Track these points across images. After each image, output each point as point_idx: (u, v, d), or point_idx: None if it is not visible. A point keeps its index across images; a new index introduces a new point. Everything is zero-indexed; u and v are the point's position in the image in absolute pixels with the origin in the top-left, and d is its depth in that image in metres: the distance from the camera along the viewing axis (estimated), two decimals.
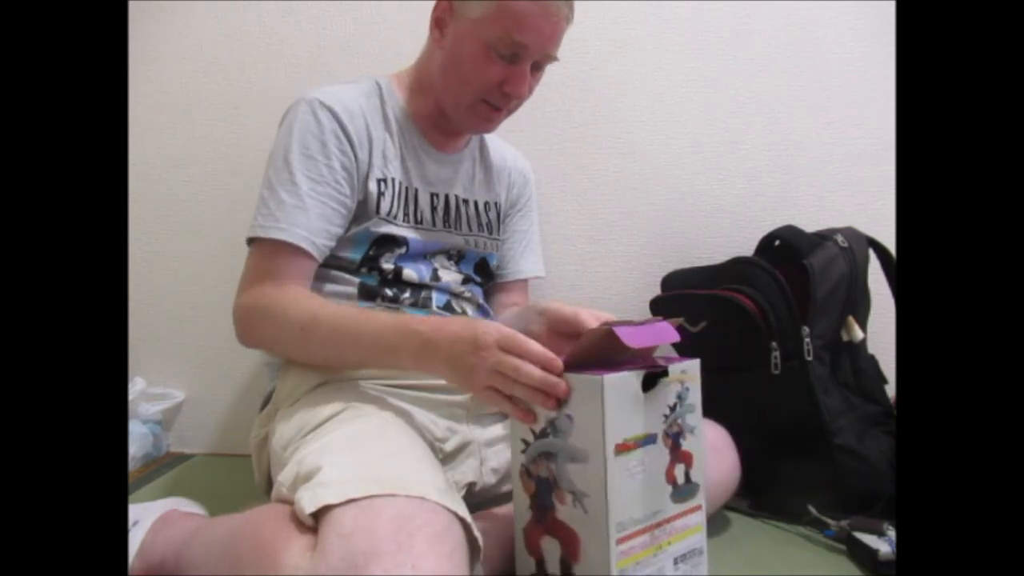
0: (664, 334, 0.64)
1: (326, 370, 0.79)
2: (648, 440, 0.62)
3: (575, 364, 0.61)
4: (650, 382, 0.62)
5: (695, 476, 0.67)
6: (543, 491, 0.63)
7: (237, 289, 0.81)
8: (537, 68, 0.85)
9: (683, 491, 0.65)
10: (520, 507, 0.65)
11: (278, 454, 0.72)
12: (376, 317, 0.74)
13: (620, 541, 0.58)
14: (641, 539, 0.60)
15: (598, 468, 0.58)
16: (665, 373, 0.63)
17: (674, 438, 0.65)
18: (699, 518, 0.68)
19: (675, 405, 0.65)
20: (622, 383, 0.59)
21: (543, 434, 0.62)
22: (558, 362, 0.60)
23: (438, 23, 0.85)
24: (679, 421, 0.65)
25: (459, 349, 0.64)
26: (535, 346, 0.61)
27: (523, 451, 0.64)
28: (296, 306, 0.75)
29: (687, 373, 0.66)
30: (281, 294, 0.76)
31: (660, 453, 0.63)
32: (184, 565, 0.67)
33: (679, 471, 0.65)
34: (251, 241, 0.81)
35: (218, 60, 1.24)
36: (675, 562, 0.64)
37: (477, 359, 0.62)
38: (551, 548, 0.62)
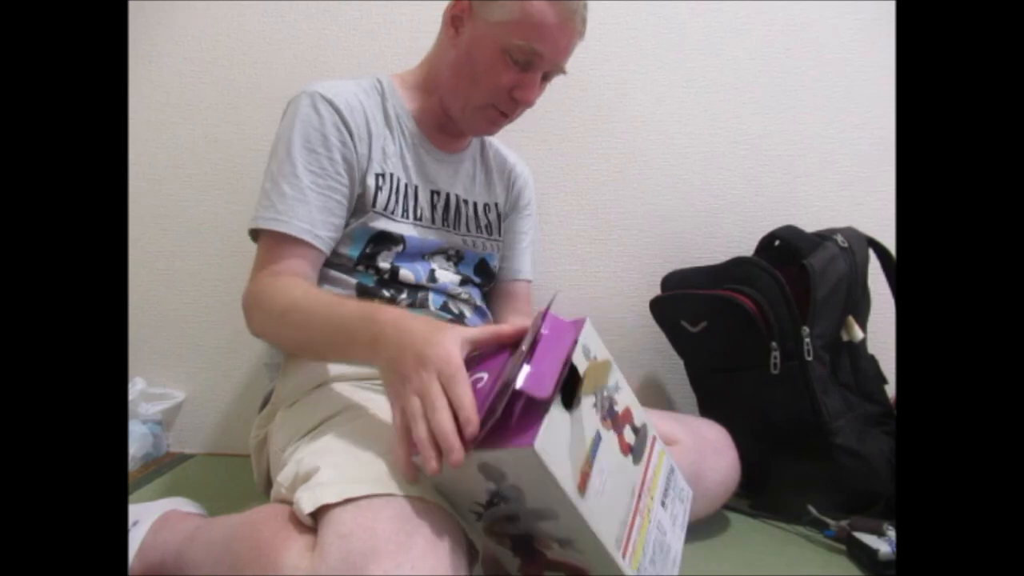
0: (563, 336, 0.55)
1: (326, 371, 0.79)
2: (595, 444, 0.55)
3: (493, 423, 0.50)
4: (568, 394, 0.53)
5: (639, 421, 0.62)
6: (522, 544, 0.57)
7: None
8: (545, 79, 0.86)
9: (638, 447, 0.61)
10: (504, 556, 0.59)
11: (277, 454, 0.73)
12: (347, 305, 0.69)
13: (624, 549, 0.55)
14: (636, 525, 0.58)
15: (572, 517, 0.51)
16: (578, 378, 0.54)
17: (609, 414, 0.58)
18: (659, 447, 0.64)
19: (595, 397, 0.58)
20: (552, 430, 0.49)
21: (491, 504, 0.55)
22: (473, 427, 0.50)
23: (454, 21, 0.85)
24: (604, 395, 0.58)
25: (402, 356, 0.57)
26: (465, 397, 0.51)
27: (477, 519, 0.57)
28: (280, 293, 0.73)
29: (589, 346, 0.57)
30: (272, 282, 0.76)
31: (608, 440, 0.56)
32: (184, 565, 0.67)
33: (627, 433, 0.60)
34: (255, 233, 0.81)
35: (218, 60, 1.24)
36: (662, 505, 0.62)
37: (413, 375, 0.55)
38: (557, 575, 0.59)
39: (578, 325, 0.57)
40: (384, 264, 0.85)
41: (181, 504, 0.82)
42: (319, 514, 0.54)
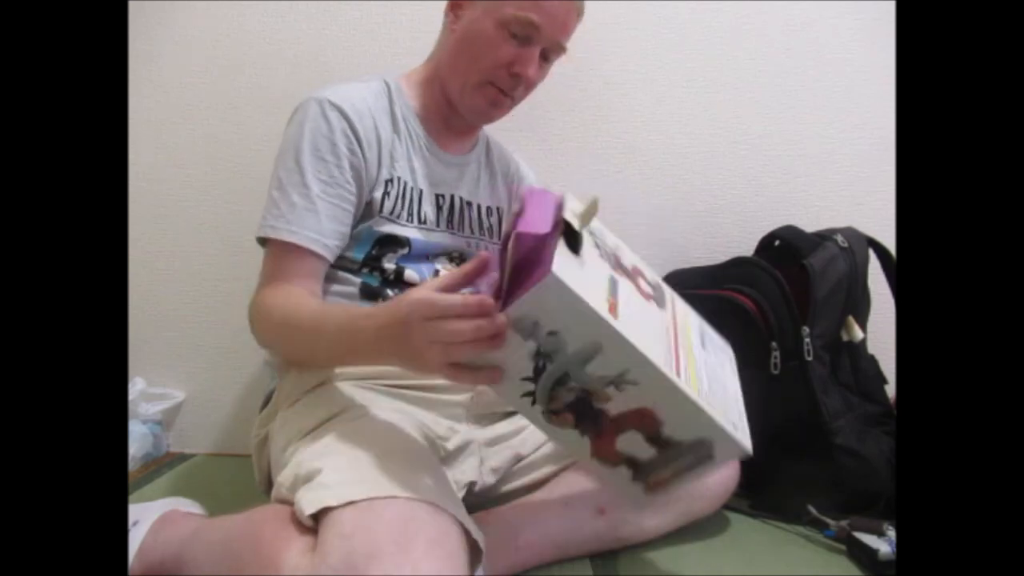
0: (547, 199, 0.58)
1: (327, 371, 0.79)
2: (613, 284, 0.57)
3: (510, 290, 0.54)
4: (572, 245, 0.56)
5: (652, 278, 0.65)
6: (584, 409, 0.57)
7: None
8: (545, 59, 0.87)
9: (658, 296, 0.62)
10: (572, 442, 0.59)
11: (278, 454, 0.73)
12: (334, 318, 0.70)
13: (676, 371, 0.55)
14: (681, 359, 0.57)
15: (614, 340, 0.52)
16: (575, 232, 0.56)
17: (619, 266, 0.61)
18: (681, 305, 0.65)
19: (597, 244, 0.61)
20: (565, 263, 0.52)
21: (539, 372, 0.56)
22: (487, 301, 0.52)
23: (454, 8, 0.87)
24: (610, 254, 0.62)
25: (394, 340, 0.59)
26: (455, 299, 0.54)
27: (532, 404, 0.57)
28: (279, 306, 0.75)
29: (579, 214, 0.58)
30: (274, 293, 0.77)
31: (624, 284, 0.59)
32: (184, 565, 0.67)
33: (643, 284, 0.62)
34: (263, 240, 0.81)
35: (218, 60, 1.24)
36: (702, 346, 0.62)
37: (414, 341, 0.56)
38: (631, 440, 0.57)
39: (557, 197, 0.58)
40: (389, 265, 0.85)
41: (181, 504, 0.82)
42: (320, 515, 0.54)
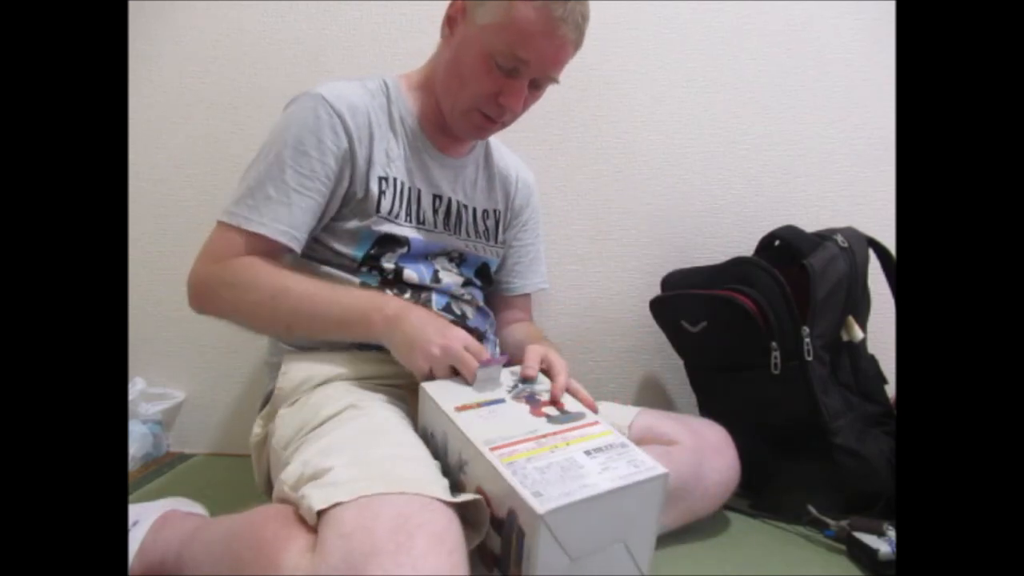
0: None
1: (326, 370, 0.79)
2: (493, 402, 0.69)
3: None
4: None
5: (572, 409, 0.71)
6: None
7: (196, 258, 0.82)
8: (536, 87, 0.85)
9: (561, 419, 0.68)
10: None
11: (278, 454, 0.73)
12: (348, 289, 0.81)
13: (494, 449, 0.60)
14: (524, 445, 0.62)
15: (452, 428, 0.65)
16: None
17: (528, 399, 0.72)
18: (602, 427, 0.68)
19: (515, 386, 0.74)
20: (442, 385, 0.71)
21: (445, 469, 0.65)
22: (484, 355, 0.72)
23: (450, 22, 0.85)
24: (527, 391, 0.73)
25: (426, 329, 0.73)
26: (481, 352, 0.73)
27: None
28: (267, 274, 0.76)
29: (515, 374, 0.77)
30: (250, 263, 0.77)
31: (515, 407, 0.69)
32: (184, 565, 0.67)
33: (548, 410, 0.70)
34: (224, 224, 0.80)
35: (218, 60, 1.24)
36: (587, 454, 0.62)
37: (441, 341, 0.71)
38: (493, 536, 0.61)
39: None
40: (388, 265, 0.85)
41: (181, 504, 0.82)
42: (320, 514, 0.54)
